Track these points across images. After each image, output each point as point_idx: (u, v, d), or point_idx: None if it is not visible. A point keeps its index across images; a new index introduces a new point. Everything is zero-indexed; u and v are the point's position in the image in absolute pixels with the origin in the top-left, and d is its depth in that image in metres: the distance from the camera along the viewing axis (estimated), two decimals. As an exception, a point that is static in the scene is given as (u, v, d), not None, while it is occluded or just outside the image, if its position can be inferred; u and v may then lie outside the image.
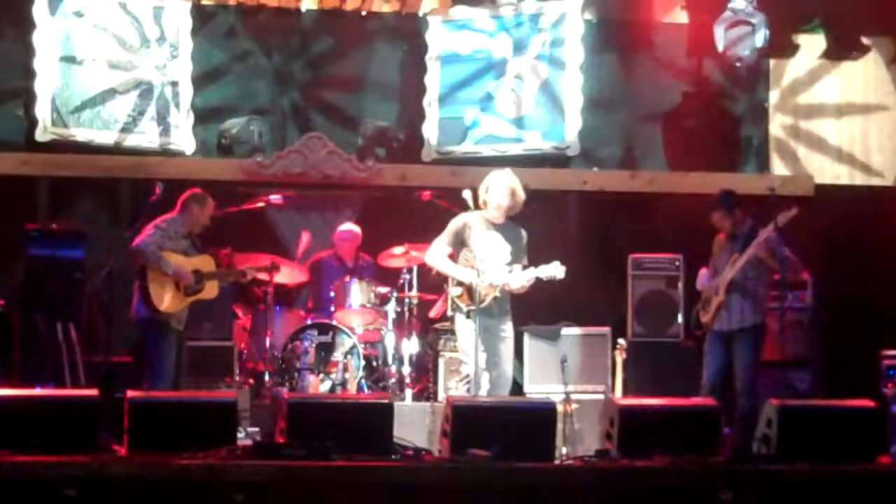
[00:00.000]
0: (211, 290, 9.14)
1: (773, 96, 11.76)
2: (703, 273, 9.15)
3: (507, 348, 8.71)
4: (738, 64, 11.00)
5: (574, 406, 9.43)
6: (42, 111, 10.72)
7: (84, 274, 9.80)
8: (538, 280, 8.62)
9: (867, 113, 11.77)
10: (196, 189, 9.26)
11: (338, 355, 10.09)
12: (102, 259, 9.56)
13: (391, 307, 10.42)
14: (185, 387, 9.09)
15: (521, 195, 8.74)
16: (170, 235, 9.00)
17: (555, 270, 8.56)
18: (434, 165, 11.27)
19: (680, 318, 10.30)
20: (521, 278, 8.63)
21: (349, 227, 10.88)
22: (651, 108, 11.64)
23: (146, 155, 10.93)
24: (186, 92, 11.04)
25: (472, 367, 8.48)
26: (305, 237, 10.82)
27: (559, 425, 8.28)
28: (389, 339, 10.34)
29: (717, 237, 9.18)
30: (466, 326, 8.61)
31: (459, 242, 8.69)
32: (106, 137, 10.88)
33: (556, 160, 11.36)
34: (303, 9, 11.30)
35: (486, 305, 8.56)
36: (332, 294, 10.41)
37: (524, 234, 8.81)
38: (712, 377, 8.88)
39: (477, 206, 8.76)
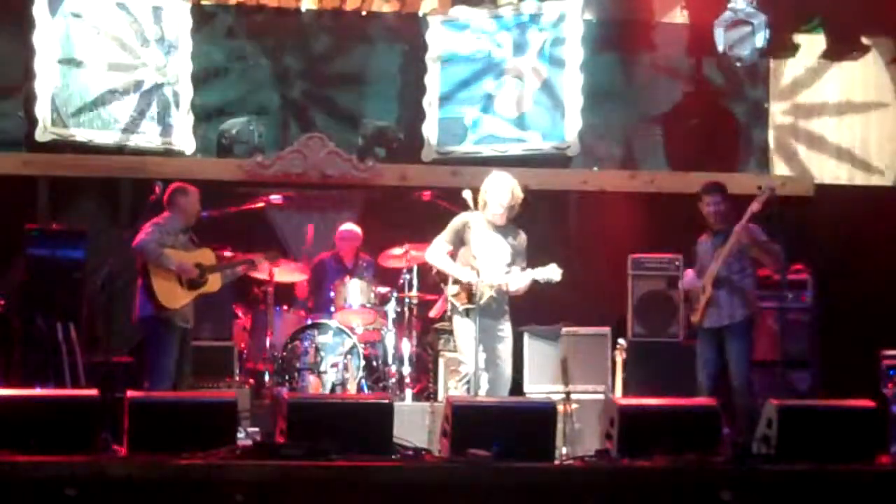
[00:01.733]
0: (214, 283, 9.15)
1: (773, 96, 11.76)
2: (689, 273, 9.16)
3: (506, 348, 8.72)
4: (738, 64, 11.00)
5: (574, 406, 9.43)
6: (42, 111, 10.72)
7: (84, 274, 9.80)
8: (535, 282, 8.64)
9: (867, 113, 11.77)
10: (175, 183, 9.25)
11: (338, 355, 10.09)
12: (102, 259, 9.57)
13: (391, 307, 10.43)
14: (188, 385, 9.10)
15: (520, 196, 8.76)
16: (168, 231, 9.00)
17: (552, 273, 8.59)
18: (434, 165, 11.28)
19: (680, 319, 10.29)
20: (519, 280, 8.66)
21: (350, 227, 10.89)
22: (651, 108, 11.65)
23: (146, 155, 10.93)
24: (186, 92, 11.05)
25: (470, 366, 8.48)
26: (310, 230, 10.86)
27: (559, 425, 8.28)
28: (389, 339, 10.34)
29: (699, 238, 9.16)
30: (465, 326, 8.62)
31: (459, 241, 8.71)
32: (106, 137, 10.88)
33: (556, 160, 11.36)
34: (303, 9, 11.30)
35: (484, 305, 8.57)
36: (332, 294, 10.41)
37: (524, 236, 8.83)
38: (708, 378, 8.87)
39: (477, 207, 8.76)
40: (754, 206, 8.78)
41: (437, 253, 8.80)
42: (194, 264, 9.02)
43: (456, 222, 8.77)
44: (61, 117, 10.77)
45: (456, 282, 8.70)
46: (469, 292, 8.58)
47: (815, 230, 10.85)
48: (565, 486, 7.04)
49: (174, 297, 8.94)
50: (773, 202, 8.83)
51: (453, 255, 8.76)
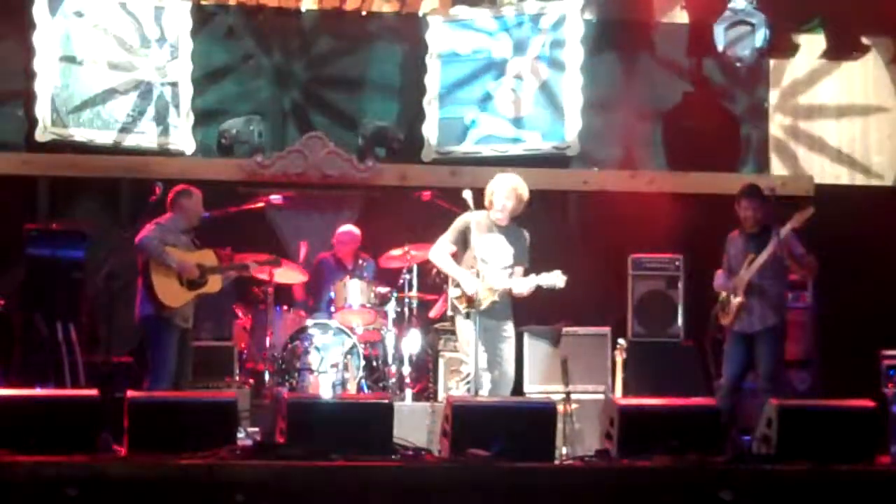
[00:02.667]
0: (214, 284, 9.15)
1: (773, 96, 11.76)
2: (720, 274, 9.10)
3: (509, 348, 8.72)
4: (738, 64, 11.00)
5: (574, 406, 9.43)
6: (42, 111, 10.72)
7: (84, 274, 9.80)
8: (539, 287, 8.64)
9: (867, 113, 11.77)
10: (180, 185, 9.26)
11: (338, 355, 10.08)
12: (102, 259, 9.57)
13: (391, 307, 10.42)
14: (188, 385, 9.10)
15: (526, 197, 8.77)
16: (170, 231, 9.02)
17: (556, 279, 8.60)
18: (434, 165, 11.28)
19: (680, 319, 10.30)
20: (523, 285, 8.65)
21: (348, 228, 10.88)
22: (651, 108, 11.64)
23: (146, 155, 10.93)
24: (186, 92, 11.05)
25: (472, 366, 8.48)
26: (304, 247, 10.85)
27: (559, 425, 8.28)
28: (389, 339, 10.34)
29: (730, 235, 9.11)
30: (467, 326, 8.62)
31: (463, 242, 8.71)
32: (106, 137, 10.88)
33: (556, 160, 11.36)
34: (303, 9, 11.30)
35: (486, 308, 8.57)
36: (332, 294, 10.41)
37: (527, 237, 8.83)
38: (732, 377, 8.85)
39: (477, 206, 8.76)
40: (794, 223, 8.73)
41: (440, 253, 8.80)
42: (195, 264, 9.04)
43: (459, 222, 8.76)
44: (61, 117, 10.77)
45: (458, 285, 8.70)
46: (471, 298, 8.57)
47: (815, 230, 10.83)
48: (565, 486, 7.04)
49: (174, 295, 8.94)
50: (812, 219, 8.79)
51: (456, 255, 8.75)
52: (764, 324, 8.83)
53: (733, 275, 8.95)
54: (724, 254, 9.12)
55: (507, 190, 8.73)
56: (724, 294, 9.00)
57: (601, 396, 9.72)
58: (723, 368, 8.96)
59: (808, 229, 10.40)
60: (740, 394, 8.91)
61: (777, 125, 11.77)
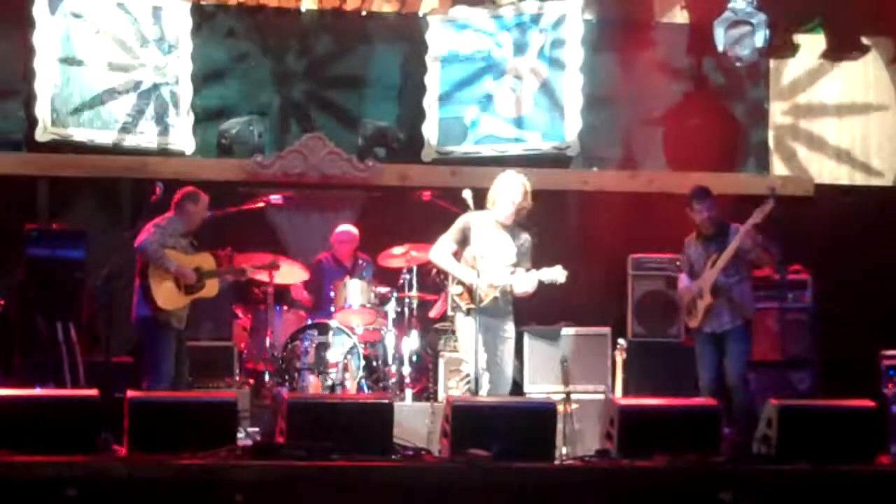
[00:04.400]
0: (211, 288, 9.16)
1: (773, 96, 11.76)
2: (682, 277, 9.15)
3: (508, 349, 8.72)
4: (738, 64, 11.00)
5: (574, 406, 9.43)
6: (42, 111, 10.72)
7: (84, 274, 9.80)
8: (540, 283, 8.64)
9: (867, 113, 11.78)
10: (188, 188, 9.27)
11: (338, 355, 10.08)
12: (102, 259, 9.56)
13: (391, 307, 10.42)
14: (185, 386, 9.10)
15: (530, 197, 8.76)
16: (170, 233, 9.03)
17: (556, 274, 8.59)
18: (434, 165, 11.28)
19: (680, 319, 10.29)
20: (524, 281, 8.64)
21: (347, 228, 10.87)
22: (651, 108, 11.65)
23: (146, 155, 10.93)
24: (186, 92, 11.05)
25: (472, 366, 8.48)
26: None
27: (559, 425, 8.28)
28: (389, 339, 10.34)
29: (687, 239, 9.15)
30: (467, 326, 8.61)
31: (464, 241, 8.70)
32: (106, 137, 10.88)
33: (556, 160, 11.36)
34: (303, 9, 11.31)
35: (488, 305, 8.57)
36: (332, 294, 10.41)
37: (529, 238, 8.81)
38: (710, 379, 8.87)
39: (477, 206, 8.75)
40: (756, 218, 8.76)
41: (441, 252, 8.79)
42: (193, 268, 9.03)
43: (461, 222, 8.75)
44: (61, 117, 10.77)
45: (460, 282, 8.70)
46: (472, 292, 8.57)
47: (815, 230, 10.84)
48: (565, 486, 7.04)
49: (171, 298, 8.95)
50: (774, 214, 8.80)
51: (458, 255, 8.74)
52: (734, 323, 8.87)
53: (696, 277, 8.97)
54: (684, 257, 9.16)
55: (517, 186, 8.71)
56: (688, 297, 9.02)
57: (601, 396, 9.72)
58: (699, 372, 8.97)
59: (809, 229, 10.46)
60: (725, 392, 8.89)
61: (777, 125, 11.77)
